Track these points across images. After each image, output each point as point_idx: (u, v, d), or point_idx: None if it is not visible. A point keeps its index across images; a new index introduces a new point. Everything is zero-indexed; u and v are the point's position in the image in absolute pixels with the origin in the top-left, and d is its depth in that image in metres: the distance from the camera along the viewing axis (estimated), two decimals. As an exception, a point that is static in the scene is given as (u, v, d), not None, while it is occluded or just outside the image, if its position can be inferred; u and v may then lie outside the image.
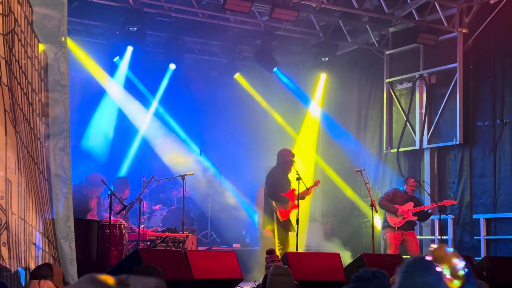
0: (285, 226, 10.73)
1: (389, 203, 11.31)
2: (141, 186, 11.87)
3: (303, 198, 11.09)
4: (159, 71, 14.93)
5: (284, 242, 10.71)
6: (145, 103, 14.80)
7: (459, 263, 2.55)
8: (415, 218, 11.38)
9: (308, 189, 10.85)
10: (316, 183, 11.44)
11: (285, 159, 10.90)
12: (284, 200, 10.75)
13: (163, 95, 15.04)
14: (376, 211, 11.00)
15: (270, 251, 8.69)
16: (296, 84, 15.93)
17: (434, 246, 2.58)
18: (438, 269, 2.47)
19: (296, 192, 10.76)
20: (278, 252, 10.46)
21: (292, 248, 10.68)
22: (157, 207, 13.41)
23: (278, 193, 10.75)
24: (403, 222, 11.23)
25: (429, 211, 11.50)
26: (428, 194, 12.42)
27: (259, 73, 15.33)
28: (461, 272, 2.54)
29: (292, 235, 10.98)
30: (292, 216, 10.79)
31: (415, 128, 13.76)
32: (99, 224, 8.99)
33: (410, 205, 11.30)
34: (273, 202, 10.74)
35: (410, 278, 2.40)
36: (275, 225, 10.67)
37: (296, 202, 10.78)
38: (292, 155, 11.03)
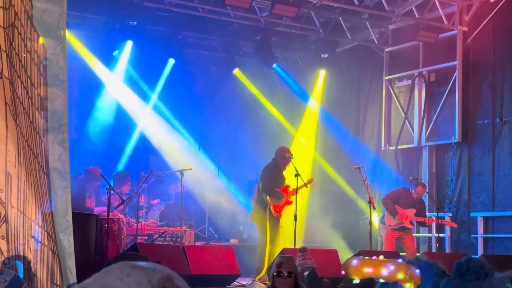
0: (277, 222, 10.78)
1: (392, 203, 11.22)
2: (140, 181, 11.88)
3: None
4: (158, 65, 14.92)
5: (275, 238, 10.75)
6: (144, 97, 14.79)
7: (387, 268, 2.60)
8: (412, 226, 11.34)
9: (305, 184, 10.88)
10: (309, 181, 11.31)
11: (282, 156, 10.92)
12: (278, 196, 10.76)
13: (162, 90, 15.03)
14: (374, 208, 11.00)
15: (302, 249, 8.81)
16: (295, 80, 15.94)
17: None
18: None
19: (291, 189, 10.82)
20: (268, 248, 10.56)
21: (283, 244, 10.71)
22: (155, 201, 13.42)
23: (272, 188, 10.77)
24: (398, 226, 11.21)
25: (426, 223, 11.49)
26: (427, 192, 12.30)
27: (258, 68, 15.34)
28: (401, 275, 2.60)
29: (283, 231, 11.03)
30: (290, 213, 10.81)
31: (414, 125, 13.77)
32: (97, 218, 9.01)
33: (411, 211, 11.20)
34: (267, 197, 10.75)
35: None
36: (267, 219, 10.68)
37: (289, 199, 10.84)
38: (290, 154, 11.03)
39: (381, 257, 2.64)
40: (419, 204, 11.36)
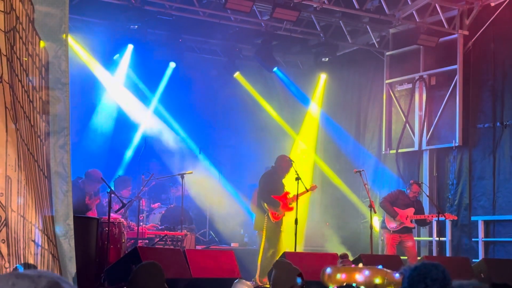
0: (276, 228, 10.83)
1: (390, 205, 11.31)
2: (140, 184, 11.88)
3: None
4: (159, 69, 14.91)
5: (276, 243, 10.76)
6: (145, 101, 14.80)
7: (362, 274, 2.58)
8: (413, 225, 11.43)
9: (306, 190, 10.88)
10: (312, 188, 11.34)
11: (281, 165, 11.02)
12: (275, 204, 10.85)
13: (163, 94, 15.04)
14: (375, 212, 11.01)
15: (343, 255, 8.84)
16: (296, 84, 15.94)
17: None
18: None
19: (291, 195, 10.86)
20: (269, 253, 10.58)
21: (283, 248, 10.71)
22: (156, 205, 13.40)
23: (269, 196, 10.87)
24: (400, 227, 11.27)
25: (427, 220, 11.55)
26: (427, 195, 12.39)
27: (259, 72, 15.34)
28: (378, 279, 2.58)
29: (284, 235, 11.04)
30: (291, 216, 10.82)
31: (414, 129, 13.77)
32: (98, 222, 9.00)
33: (410, 211, 11.29)
34: (265, 204, 10.85)
35: None
36: (265, 225, 10.76)
37: (289, 205, 10.88)
38: (291, 162, 11.06)
39: (361, 265, 2.64)
40: (416, 204, 11.48)
